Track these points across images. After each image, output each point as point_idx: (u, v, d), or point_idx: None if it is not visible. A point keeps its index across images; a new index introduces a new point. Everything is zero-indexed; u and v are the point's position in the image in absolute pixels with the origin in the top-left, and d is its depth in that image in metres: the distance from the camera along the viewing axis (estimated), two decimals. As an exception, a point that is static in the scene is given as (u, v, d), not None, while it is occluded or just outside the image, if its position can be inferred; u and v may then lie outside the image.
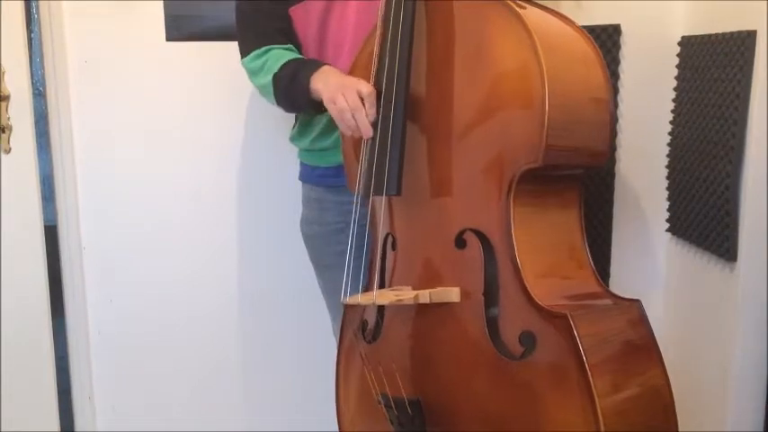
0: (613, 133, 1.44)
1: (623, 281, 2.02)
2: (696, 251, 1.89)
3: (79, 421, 2.33)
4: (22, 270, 2.16)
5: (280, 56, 1.72)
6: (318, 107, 1.64)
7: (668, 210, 1.99)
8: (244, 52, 1.78)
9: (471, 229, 1.42)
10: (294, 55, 1.74)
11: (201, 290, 2.30)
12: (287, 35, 1.76)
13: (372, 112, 1.49)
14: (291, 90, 1.68)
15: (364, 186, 1.52)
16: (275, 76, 1.69)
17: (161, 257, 2.27)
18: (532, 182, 1.37)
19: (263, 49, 1.74)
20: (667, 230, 2.01)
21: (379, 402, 1.54)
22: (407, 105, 1.47)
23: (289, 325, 2.33)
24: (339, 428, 1.75)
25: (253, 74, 1.77)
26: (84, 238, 2.25)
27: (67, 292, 2.26)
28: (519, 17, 1.34)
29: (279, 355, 2.35)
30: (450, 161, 1.45)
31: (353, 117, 1.49)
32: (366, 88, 1.49)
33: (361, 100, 1.49)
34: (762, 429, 1.72)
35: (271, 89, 1.71)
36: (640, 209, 2.05)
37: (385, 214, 1.58)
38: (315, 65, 1.67)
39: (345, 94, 1.50)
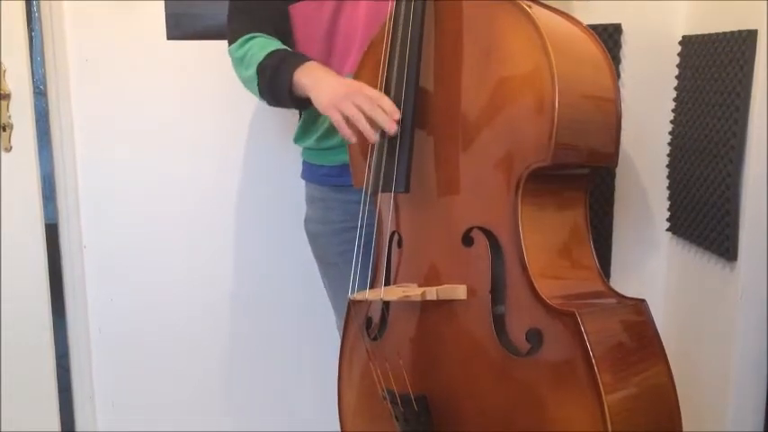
0: (620, 133, 1.44)
1: (623, 280, 2.03)
2: (696, 250, 1.90)
3: (80, 420, 2.33)
4: (23, 269, 2.17)
5: (264, 45, 1.69)
6: (300, 103, 1.63)
7: (669, 209, 2.00)
8: (230, 40, 1.75)
9: (479, 227, 1.42)
10: (279, 45, 1.70)
11: (202, 289, 2.29)
12: (277, 29, 1.72)
13: (389, 107, 1.45)
14: (274, 82, 1.64)
15: (372, 183, 1.51)
16: (260, 66, 1.66)
17: (161, 256, 2.27)
18: (540, 181, 1.37)
19: (248, 36, 1.71)
20: (668, 230, 2.01)
21: (385, 398, 1.54)
22: (417, 104, 1.46)
23: (289, 325, 2.32)
24: (341, 428, 1.74)
25: (237, 63, 1.74)
26: (85, 237, 2.25)
27: (68, 291, 2.25)
28: (529, 17, 1.34)
29: (279, 355, 2.35)
30: (458, 159, 1.45)
31: (368, 121, 1.45)
32: (374, 91, 1.48)
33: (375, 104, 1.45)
34: (762, 429, 1.73)
35: (255, 81, 1.68)
36: (641, 208, 2.05)
37: (392, 212, 1.58)
38: (300, 58, 1.64)
39: (354, 100, 1.47)
